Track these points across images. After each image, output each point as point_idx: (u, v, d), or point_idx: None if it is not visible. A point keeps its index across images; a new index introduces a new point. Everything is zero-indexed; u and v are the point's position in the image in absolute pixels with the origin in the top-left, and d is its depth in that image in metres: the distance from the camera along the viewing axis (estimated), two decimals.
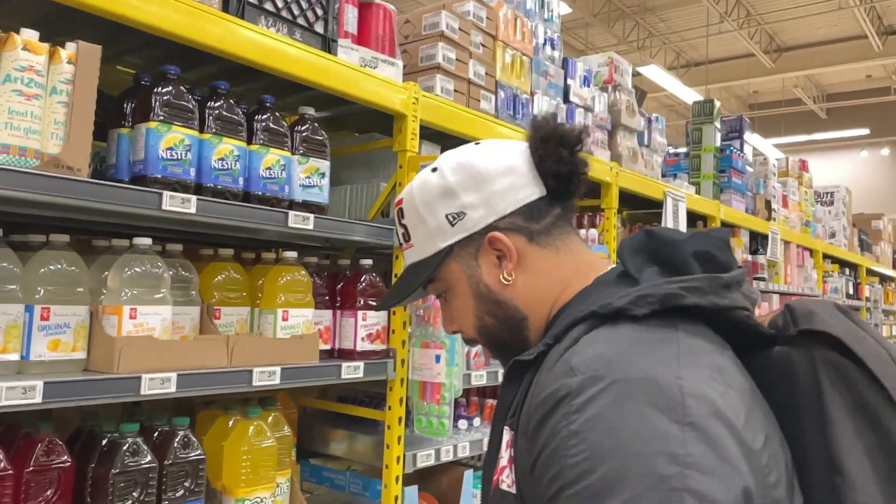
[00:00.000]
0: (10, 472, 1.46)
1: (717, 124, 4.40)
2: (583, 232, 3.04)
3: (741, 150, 4.57)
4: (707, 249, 0.88)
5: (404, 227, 1.02)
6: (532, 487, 0.78)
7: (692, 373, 0.74)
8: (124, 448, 1.54)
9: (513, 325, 0.96)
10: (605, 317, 0.82)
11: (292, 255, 1.80)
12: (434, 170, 1.01)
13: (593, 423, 0.71)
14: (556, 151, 0.96)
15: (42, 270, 1.50)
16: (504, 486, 0.85)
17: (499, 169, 0.97)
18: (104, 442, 1.57)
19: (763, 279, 4.69)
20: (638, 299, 0.80)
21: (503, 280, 0.95)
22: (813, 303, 0.88)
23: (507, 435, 0.87)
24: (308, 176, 1.74)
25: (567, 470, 0.71)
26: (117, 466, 1.52)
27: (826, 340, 0.81)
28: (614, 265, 0.99)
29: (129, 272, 1.57)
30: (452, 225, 0.97)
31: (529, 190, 0.97)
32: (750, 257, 4.55)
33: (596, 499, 0.67)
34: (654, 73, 12.06)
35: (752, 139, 4.87)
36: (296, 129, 1.77)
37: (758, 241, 4.79)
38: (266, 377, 1.71)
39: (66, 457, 1.53)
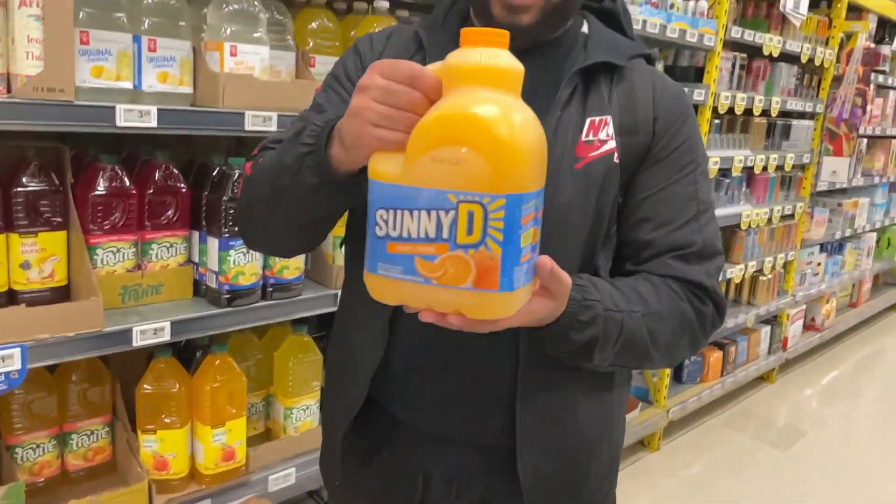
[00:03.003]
0: (134, 192, 1.55)
1: None
2: (691, 3, 2.85)
3: None
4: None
5: None
6: (641, 160, 1.06)
7: None
8: (234, 179, 1.62)
9: None
10: (647, 58, 1.12)
11: (384, 4, 1.80)
12: None
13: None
14: None
15: (146, 1, 1.53)
16: (615, 160, 1.04)
17: None
18: (215, 173, 1.65)
19: (883, 72, 4.39)
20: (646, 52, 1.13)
21: None
22: None
23: (606, 122, 1.05)
24: None
25: (699, 158, 1.09)
26: (228, 194, 1.60)
27: None
28: None
29: (227, 8, 1.59)
30: None
31: None
32: (874, 46, 4.12)
33: (705, 176, 1.10)
34: None
35: None
36: None
37: (885, 29, 4.39)
38: None
39: (181, 183, 1.62)
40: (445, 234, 0.73)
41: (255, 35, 1.62)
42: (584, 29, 1.12)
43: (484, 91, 0.74)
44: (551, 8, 1.01)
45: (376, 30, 1.26)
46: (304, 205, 0.92)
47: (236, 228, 1.09)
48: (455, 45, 0.80)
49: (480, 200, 0.71)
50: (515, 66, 0.77)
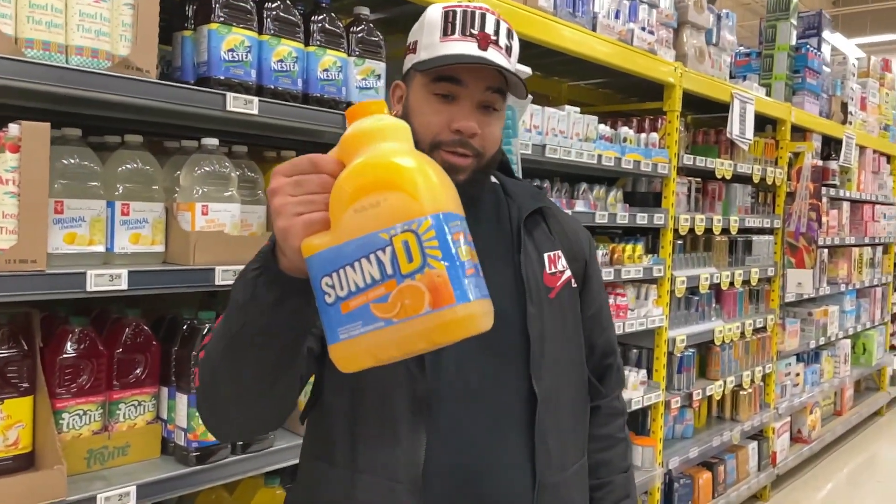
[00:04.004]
0: (104, 352, 1.56)
1: (794, 21, 4.15)
2: (643, 136, 3.03)
3: (818, 48, 4.32)
4: None
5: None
6: (583, 280, 1.32)
7: None
8: (203, 332, 1.64)
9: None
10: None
11: None
12: None
13: None
14: None
15: (120, 169, 1.60)
16: (573, 285, 1.28)
17: None
18: (185, 327, 1.66)
19: (834, 185, 4.61)
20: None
21: None
22: None
23: (559, 256, 1.28)
24: (364, 78, 1.85)
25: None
26: (197, 348, 1.61)
27: None
28: None
29: (199, 171, 1.67)
30: None
31: None
32: (821, 162, 4.37)
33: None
34: None
35: (832, 38, 4.54)
36: (351, 30, 1.86)
37: (830, 146, 4.65)
38: None
39: (151, 340, 1.63)
40: (390, 271, 0.77)
41: (226, 194, 1.69)
42: (493, 179, 1.30)
43: (380, 144, 0.83)
44: (481, 168, 1.17)
45: None
46: (270, 333, 0.92)
47: (205, 424, 1.07)
48: None
49: (410, 227, 0.77)
50: (401, 122, 0.87)
